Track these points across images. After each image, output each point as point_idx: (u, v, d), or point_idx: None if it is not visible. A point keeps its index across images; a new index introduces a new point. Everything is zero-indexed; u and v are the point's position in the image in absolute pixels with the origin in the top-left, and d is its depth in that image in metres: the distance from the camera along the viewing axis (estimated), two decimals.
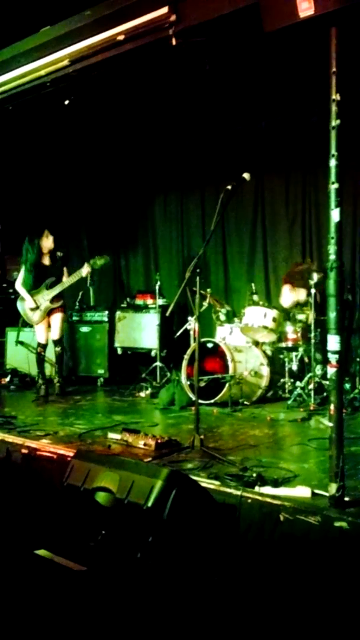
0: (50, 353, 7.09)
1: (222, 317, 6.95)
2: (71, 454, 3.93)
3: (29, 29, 5.06)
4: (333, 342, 3.25)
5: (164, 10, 4.21)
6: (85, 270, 6.74)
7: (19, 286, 6.91)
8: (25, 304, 6.88)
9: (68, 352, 7.50)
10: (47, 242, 6.83)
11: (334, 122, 3.26)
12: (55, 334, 6.89)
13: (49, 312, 6.85)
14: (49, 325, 6.90)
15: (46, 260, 6.87)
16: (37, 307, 6.79)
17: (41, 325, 6.88)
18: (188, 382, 6.24)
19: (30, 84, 5.26)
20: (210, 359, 6.32)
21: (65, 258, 7.02)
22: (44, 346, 6.92)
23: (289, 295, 6.66)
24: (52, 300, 6.79)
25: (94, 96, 6.13)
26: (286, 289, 6.72)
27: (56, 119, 6.91)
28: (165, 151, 8.27)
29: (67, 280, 6.80)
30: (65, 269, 6.89)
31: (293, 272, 6.79)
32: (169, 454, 4.24)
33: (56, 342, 6.90)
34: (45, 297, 6.79)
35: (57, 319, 6.88)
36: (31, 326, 7.24)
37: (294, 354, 6.45)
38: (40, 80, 5.17)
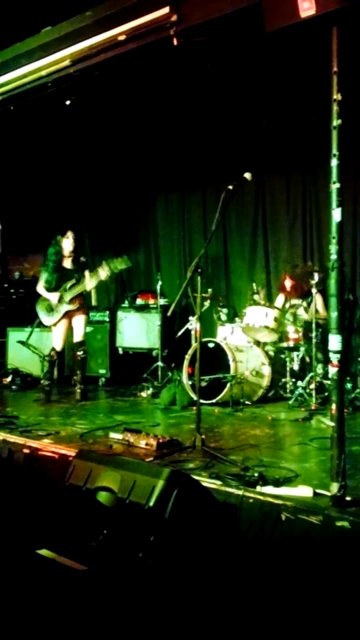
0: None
1: (224, 317, 6.97)
2: (73, 454, 3.93)
3: (30, 30, 5.06)
4: (334, 341, 3.25)
5: (165, 10, 4.22)
6: (104, 273, 6.46)
7: (40, 288, 6.74)
8: (45, 304, 6.69)
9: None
10: (68, 243, 6.66)
11: (335, 122, 3.27)
12: (78, 336, 6.70)
13: (70, 315, 6.66)
14: (67, 330, 6.71)
15: (67, 264, 6.69)
16: (61, 300, 6.56)
17: (59, 329, 6.68)
18: (189, 382, 6.24)
19: (31, 84, 5.27)
20: (211, 359, 6.33)
21: (87, 264, 6.83)
22: (58, 353, 6.78)
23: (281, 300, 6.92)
24: (71, 301, 6.58)
25: (96, 96, 6.14)
26: (280, 297, 6.95)
27: (58, 119, 6.91)
28: (166, 151, 8.27)
29: (87, 283, 6.55)
30: (87, 273, 6.63)
31: (294, 276, 6.79)
32: (171, 453, 4.25)
33: (79, 345, 6.70)
34: (65, 297, 6.59)
35: (79, 320, 6.69)
36: (36, 327, 7.21)
37: (295, 353, 6.46)
38: (42, 81, 5.18)
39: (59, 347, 6.75)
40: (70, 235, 6.70)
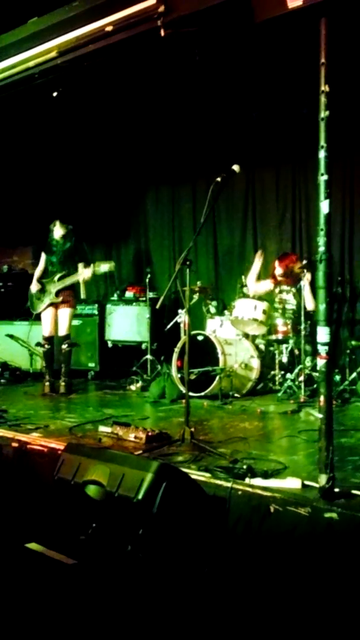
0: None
1: (213, 310, 6.97)
2: (62, 448, 3.92)
3: (16, 20, 5.01)
4: (322, 333, 3.25)
5: (153, 1, 4.18)
6: (88, 273, 6.53)
7: (36, 272, 6.84)
8: (32, 287, 6.77)
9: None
10: (56, 232, 6.69)
11: (323, 114, 3.25)
12: (62, 329, 6.67)
13: (56, 306, 6.67)
14: (54, 318, 6.69)
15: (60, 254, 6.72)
16: (42, 291, 6.65)
17: (47, 315, 6.67)
18: (178, 375, 6.24)
19: (18, 75, 5.21)
20: (200, 352, 6.32)
21: (82, 253, 6.86)
22: (48, 339, 6.70)
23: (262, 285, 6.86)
24: (58, 293, 6.60)
25: (84, 87, 6.09)
26: (267, 282, 6.91)
27: (48, 111, 6.86)
28: (156, 143, 8.24)
29: (70, 278, 6.59)
30: (80, 265, 6.64)
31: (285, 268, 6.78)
32: (160, 446, 4.24)
33: (63, 339, 6.67)
34: (52, 289, 6.61)
35: (64, 314, 6.67)
36: (25, 320, 7.23)
37: (284, 346, 6.47)
38: (29, 72, 5.12)
39: (47, 333, 6.70)
40: (55, 223, 6.71)
